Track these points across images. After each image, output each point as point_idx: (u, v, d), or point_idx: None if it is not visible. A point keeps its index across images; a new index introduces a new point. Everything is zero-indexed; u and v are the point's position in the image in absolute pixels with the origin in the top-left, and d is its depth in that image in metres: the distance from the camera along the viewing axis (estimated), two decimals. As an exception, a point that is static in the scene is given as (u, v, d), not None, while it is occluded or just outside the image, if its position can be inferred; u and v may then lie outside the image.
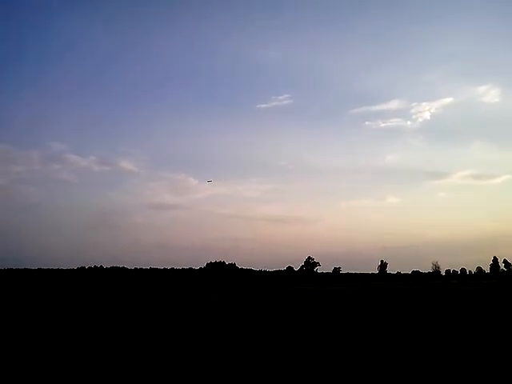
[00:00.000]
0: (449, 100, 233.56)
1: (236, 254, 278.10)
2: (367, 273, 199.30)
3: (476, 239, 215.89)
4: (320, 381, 10.98)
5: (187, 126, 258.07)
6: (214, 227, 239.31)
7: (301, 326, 21.93)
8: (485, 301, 42.10)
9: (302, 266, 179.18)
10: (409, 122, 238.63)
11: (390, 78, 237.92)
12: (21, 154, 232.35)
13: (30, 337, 18.87)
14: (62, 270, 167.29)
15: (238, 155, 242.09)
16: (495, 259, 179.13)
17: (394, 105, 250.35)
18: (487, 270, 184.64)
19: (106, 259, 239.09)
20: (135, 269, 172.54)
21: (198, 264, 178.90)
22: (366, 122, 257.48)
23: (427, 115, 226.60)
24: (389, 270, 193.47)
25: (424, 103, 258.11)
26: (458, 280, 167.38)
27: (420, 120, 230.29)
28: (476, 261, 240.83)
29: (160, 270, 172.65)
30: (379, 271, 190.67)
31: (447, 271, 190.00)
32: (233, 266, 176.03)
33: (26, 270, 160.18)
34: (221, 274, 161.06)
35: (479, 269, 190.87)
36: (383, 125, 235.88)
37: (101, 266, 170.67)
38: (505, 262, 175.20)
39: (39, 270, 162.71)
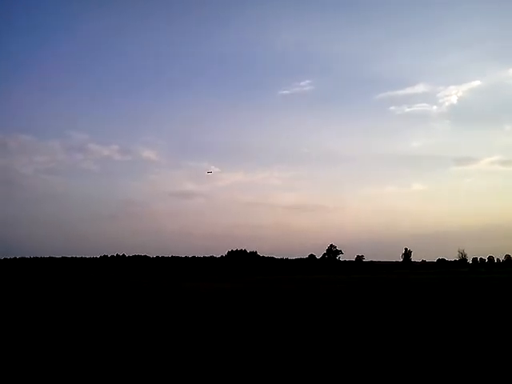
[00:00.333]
0: (476, 83, 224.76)
1: (257, 242, 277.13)
2: (391, 261, 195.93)
3: (504, 226, 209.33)
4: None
5: (208, 114, 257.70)
6: (235, 215, 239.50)
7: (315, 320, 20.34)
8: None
9: (325, 254, 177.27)
10: (435, 107, 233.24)
11: (416, 62, 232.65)
12: (44, 144, 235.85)
13: (52, 323, 19.20)
14: (85, 258, 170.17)
15: (259, 143, 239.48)
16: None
17: (419, 89, 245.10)
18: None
19: (128, 248, 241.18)
20: (157, 257, 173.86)
21: (220, 252, 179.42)
22: (391, 107, 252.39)
23: (454, 99, 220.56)
24: (413, 259, 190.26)
25: (451, 87, 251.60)
26: (486, 268, 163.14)
27: (447, 104, 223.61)
28: (504, 248, 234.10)
29: (181, 258, 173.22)
30: (403, 259, 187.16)
31: (474, 259, 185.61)
32: (254, 254, 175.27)
33: (51, 258, 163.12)
34: (242, 262, 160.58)
35: (507, 257, 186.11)
36: (408, 110, 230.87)
37: (123, 254, 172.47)
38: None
39: (63, 258, 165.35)
